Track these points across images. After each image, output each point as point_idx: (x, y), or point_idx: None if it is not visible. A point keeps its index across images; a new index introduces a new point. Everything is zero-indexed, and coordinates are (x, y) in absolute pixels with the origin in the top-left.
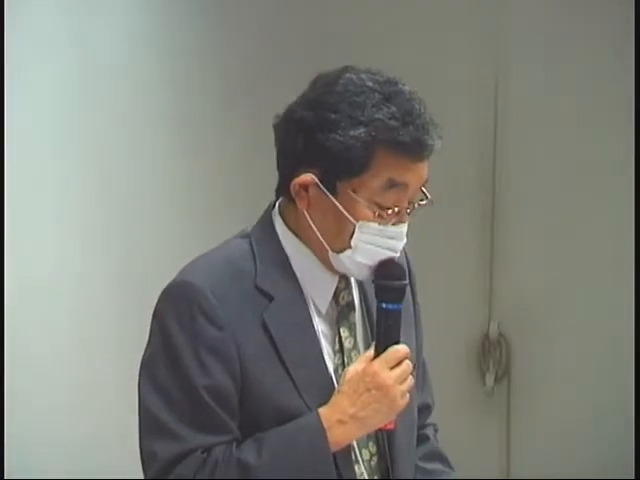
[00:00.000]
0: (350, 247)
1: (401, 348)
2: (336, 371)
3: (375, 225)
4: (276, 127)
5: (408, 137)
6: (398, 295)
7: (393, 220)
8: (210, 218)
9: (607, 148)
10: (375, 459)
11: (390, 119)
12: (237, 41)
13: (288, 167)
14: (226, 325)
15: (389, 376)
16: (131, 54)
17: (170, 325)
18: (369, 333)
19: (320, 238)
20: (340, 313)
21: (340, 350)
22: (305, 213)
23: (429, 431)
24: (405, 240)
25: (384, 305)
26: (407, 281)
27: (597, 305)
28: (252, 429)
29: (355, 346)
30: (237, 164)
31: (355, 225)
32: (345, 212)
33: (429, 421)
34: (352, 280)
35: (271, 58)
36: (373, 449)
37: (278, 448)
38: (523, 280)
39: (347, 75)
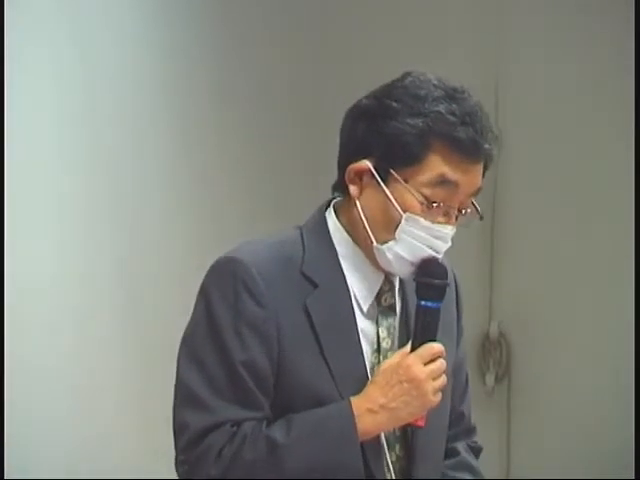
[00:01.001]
0: (394, 239)
1: (436, 345)
2: (372, 369)
3: (422, 220)
4: (343, 121)
5: (464, 135)
6: (438, 293)
7: (439, 218)
8: (212, 218)
9: (607, 149)
10: (401, 462)
11: (449, 114)
12: (238, 41)
13: (347, 155)
14: (269, 305)
15: (422, 370)
16: (133, 54)
17: (213, 299)
18: (406, 339)
19: (367, 228)
20: (381, 314)
21: (377, 350)
22: (356, 202)
23: (460, 446)
24: (450, 244)
25: (423, 302)
26: (447, 281)
27: (597, 305)
28: (284, 411)
29: (392, 348)
30: (239, 164)
31: (402, 216)
32: (394, 201)
33: (471, 439)
34: (396, 284)
35: (272, 58)
36: (400, 452)
37: (307, 430)
38: (523, 280)
39: (415, 74)
